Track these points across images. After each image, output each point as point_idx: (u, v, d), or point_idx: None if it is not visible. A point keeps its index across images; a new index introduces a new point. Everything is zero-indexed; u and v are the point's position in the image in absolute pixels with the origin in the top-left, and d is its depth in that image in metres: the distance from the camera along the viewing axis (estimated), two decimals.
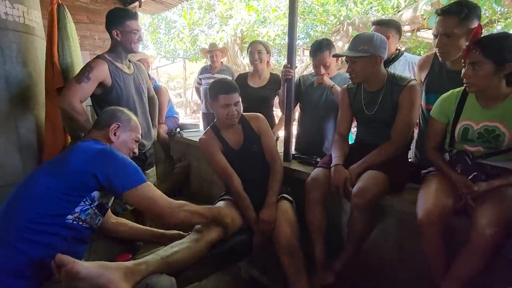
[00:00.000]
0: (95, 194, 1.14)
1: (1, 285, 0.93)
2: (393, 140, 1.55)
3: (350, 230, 1.48)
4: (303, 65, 7.55)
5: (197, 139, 2.93)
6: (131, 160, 1.23)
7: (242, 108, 1.72)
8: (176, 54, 13.92)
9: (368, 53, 1.49)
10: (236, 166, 1.71)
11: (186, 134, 3.12)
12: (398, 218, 1.54)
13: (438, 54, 1.55)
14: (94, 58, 1.79)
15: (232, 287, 1.91)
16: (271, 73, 2.68)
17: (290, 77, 1.96)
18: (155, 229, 1.59)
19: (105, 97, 1.79)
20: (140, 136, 1.44)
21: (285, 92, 2.04)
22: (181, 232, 1.55)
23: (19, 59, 1.78)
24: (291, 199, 1.72)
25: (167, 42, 13.58)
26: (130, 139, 1.38)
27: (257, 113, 1.87)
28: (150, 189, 1.19)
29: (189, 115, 11.35)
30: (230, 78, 3.09)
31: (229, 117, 1.66)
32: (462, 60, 1.26)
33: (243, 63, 9.24)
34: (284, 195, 1.71)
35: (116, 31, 1.80)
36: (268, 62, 2.66)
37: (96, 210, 1.17)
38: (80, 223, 1.10)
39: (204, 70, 3.79)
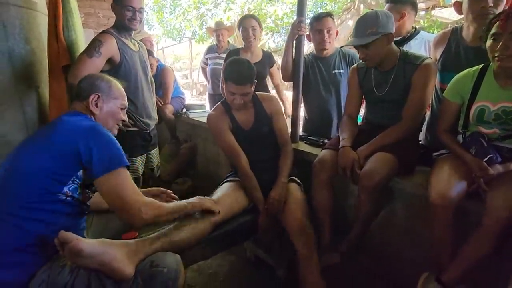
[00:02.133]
0: (81, 172, 1.08)
1: (7, 264, 0.93)
2: (404, 121, 1.49)
3: (357, 212, 1.46)
4: (310, 48, 7.36)
5: (203, 119, 2.94)
6: (116, 141, 1.11)
7: (251, 96, 1.63)
8: (182, 34, 13.69)
9: (378, 35, 1.41)
10: (245, 147, 1.67)
11: (192, 115, 3.09)
12: (406, 200, 1.52)
13: (476, 19, 1.43)
14: (100, 33, 1.73)
15: (237, 267, 1.94)
16: (263, 50, 2.62)
17: (303, 33, 1.87)
18: None
19: (113, 74, 1.73)
20: (126, 103, 1.31)
21: (286, 58, 1.97)
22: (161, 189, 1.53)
23: (21, 35, 1.75)
24: (299, 181, 1.70)
25: (172, 22, 13.33)
26: (116, 108, 1.25)
27: (270, 94, 1.82)
28: (126, 175, 1.06)
29: (195, 96, 11.27)
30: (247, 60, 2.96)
31: (233, 104, 1.62)
32: (488, 33, 1.17)
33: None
34: (292, 177, 1.69)
35: (113, 5, 1.76)
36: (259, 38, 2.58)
37: (85, 188, 1.11)
38: (73, 200, 1.06)
39: (210, 50, 3.71)
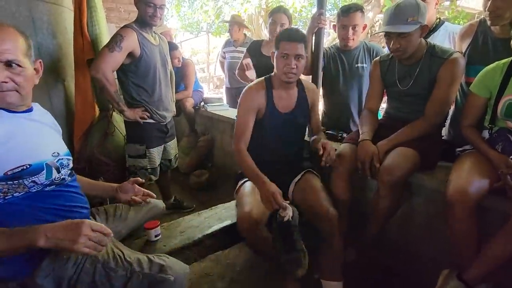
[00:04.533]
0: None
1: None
2: (427, 116, 1.45)
3: (375, 207, 1.45)
4: (329, 38, 7.21)
5: (221, 113, 2.98)
6: None
7: (303, 67, 1.51)
8: (199, 27, 13.74)
9: (417, 24, 1.35)
10: (272, 136, 1.57)
11: (210, 108, 3.13)
12: (427, 196, 1.49)
13: (488, 17, 1.39)
14: (122, 27, 1.78)
15: (251, 258, 1.97)
16: None
17: (323, 26, 1.84)
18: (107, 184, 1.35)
19: (133, 67, 1.80)
20: None
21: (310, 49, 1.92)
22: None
23: (49, 30, 1.82)
24: (317, 174, 1.69)
25: (190, 15, 13.39)
26: None
27: (313, 84, 1.78)
28: None
29: (212, 90, 11.34)
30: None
31: (286, 71, 1.45)
32: None
33: (267, 36, 8.98)
34: (310, 169, 1.68)
35: (136, 0, 1.80)
36: None
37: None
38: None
39: (227, 43, 3.74)
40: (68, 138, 2.07)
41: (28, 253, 0.89)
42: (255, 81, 1.63)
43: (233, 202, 1.73)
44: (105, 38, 2.01)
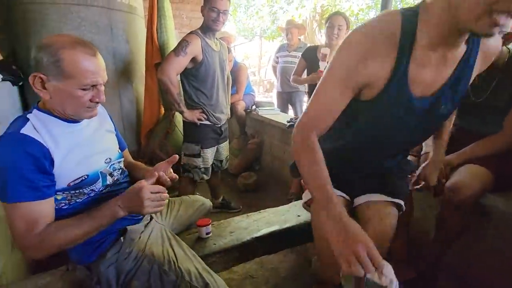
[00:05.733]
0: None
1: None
2: (506, 132, 1.29)
3: (439, 228, 1.33)
4: None
5: (272, 117, 3.01)
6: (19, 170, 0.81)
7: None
8: (253, 32, 14.06)
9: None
10: (383, 131, 0.95)
11: (262, 112, 3.17)
12: (501, 221, 1.33)
13: None
14: (188, 34, 1.89)
15: (296, 265, 1.94)
16: None
17: None
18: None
19: (195, 71, 1.90)
20: (98, 79, 0.89)
21: None
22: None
23: (124, 36, 2.01)
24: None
25: (245, 21, 13.78)
26: (73, 90, 0.86)
27: None
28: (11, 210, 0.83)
29: (262, 93, 11.48)
30: None
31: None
32: None
33: (321, 41, 8.85)
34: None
35: (202, 7, 1.89)
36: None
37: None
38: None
39: (281, 48, 3.76)
40: (136, 135, 2.26)
41: (97, 243, 0.99)
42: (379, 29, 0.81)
43: (281, 207, 1.73)
44: (171, 44, 2.16)
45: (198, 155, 2.01)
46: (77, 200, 0.96)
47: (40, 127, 0.86)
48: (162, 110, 2.35)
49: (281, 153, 2.98)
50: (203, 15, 1.91)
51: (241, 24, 14.37)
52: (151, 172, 1.00)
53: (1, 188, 0.81)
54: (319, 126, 0.89)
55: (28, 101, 1.90)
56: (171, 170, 1.09)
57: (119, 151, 1.13)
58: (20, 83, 1.80)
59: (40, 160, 0.83)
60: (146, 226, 1.14)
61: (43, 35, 1.78)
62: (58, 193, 0.91)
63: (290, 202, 1.99)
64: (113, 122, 1.16)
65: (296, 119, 2.69)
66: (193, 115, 1.93)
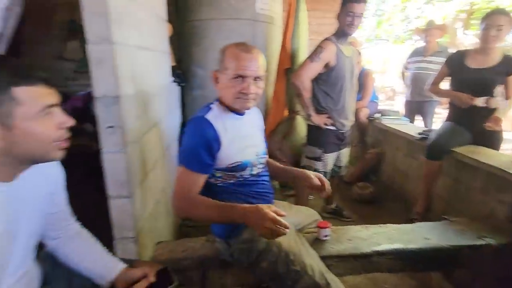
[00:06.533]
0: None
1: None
2: None
3: None
4: None
5: (397, 127, 2.78)
6: (195, 142, 1.04)
7: None
8: (379, 35, 13.16)
9: None
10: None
11: (386, 121, 2.97)
12: None
13: None
14: (323, 40, 1.95)
15: None
16: (504, 54, 2.04)
17: None
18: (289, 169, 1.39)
19: (325, 76, 1.96)
20: (246, 72, 1.04)
21: None
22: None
23: (263, 44, 2.24)
24: None
25: (372, 24, 13.01)
26: (227, 80, 1.06)
27: None
28: (183, 173, 1.05)
29: (383, 101, 10.64)
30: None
31: None
32: None
33: (464, 44, 7.51)
34: None
35: (338, 14, 1.92)
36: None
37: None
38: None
39: (415, 53, 3.40)
40: None
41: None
42: None
43: (403, 226, 1.61)
44: (302, 51, 2.28)
45: (319, 159, 2.06)
46: (229, 181, 1.14)
47: (217, 116, 1.07)
48: (286, 113, 2.50)
49: (405, 166, 2.72)
50: (338, 21, 1.94)
51: (368, 28, 13.66)
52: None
53: (184, 155, 1.06)
54: None
55: (183, 99, 2.35)
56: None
57: (265, 148, 1.28)
58: (182, 84, 2.25)
59: (212, 142, 1.03)
60: None
61: (202, 46, 2.18)
62: (217, 171, 1.11)
63: (413, 222, 1.82)
64: (261, 124, 1.31)
65: (429, 131, 2.40)
66: (320, 119, 1.98)
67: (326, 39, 1.94)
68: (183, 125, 2.25)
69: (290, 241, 1.13)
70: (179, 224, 2.14)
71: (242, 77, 1.04)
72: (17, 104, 0.62)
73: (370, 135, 3.26)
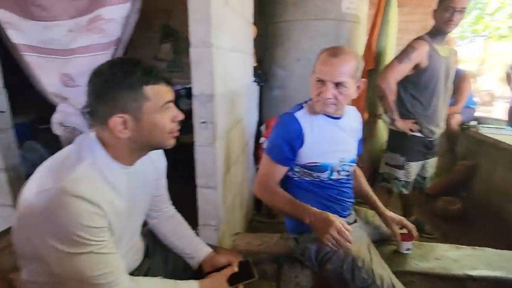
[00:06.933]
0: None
1: None
2: None
3: None
4: None
5: (499, 137, 2.41)
6: (278, 134, 1.17)
7: None
8: (478, 31, 11.49)
9: None
10: None
11: (484, 130, 2.60)
12: None
13: None
14: (415, 39, 1.80)
15: None
16: None
17: None
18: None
19: (415, 79, 1.79)
20: (323, 76, 1.08)
21: None
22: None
23: (346, 45, 2.16)
24: None
25: (476, 18, 11.43)
26: (312, 82, 1.13)
27: None
28: (266, 161, 1.18)
29: (477, 107, 9.29)
30: None
31: None
32: None
33: None
34: None
35: (434, 10, 1.74)
36: None
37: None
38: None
39: None
40: None
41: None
42: None
43: (506, 252, 1.39)
44: (389, 50, 2.14)
45: (401, 167, 1.91)
46: (305, 178, 1.19)
47: (306, 115, 1.14)
48: (366, 115, 2.38)
49: (506, 184, 2.34)
50: (434, 18, 1.77)
51: (464, 24, 12.06)
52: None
53: (270, 145, 1.17)
54: None
55: (261, 98, 2.42)
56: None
57: (355, 156, 1.25)
58: (262, 84, 2.33)
59: (295, 138, 1.11)
60: (349, 225, 1.22)
61: (285, 47, 2.21)
62: (297, 166, 1.17)
63: None
64: (359, 131, 1.31)
65: None
66: (406, 125, 1.84)
67: (419, 37, 1.78)
68: (260, 124, 2.33)
69: (360, 248, 1.09)
70: (250, 219, 2.23)
71: (322, 81, 1.08)
72: (146, 100, 0.71)
73: (461, 144, 2.89)
